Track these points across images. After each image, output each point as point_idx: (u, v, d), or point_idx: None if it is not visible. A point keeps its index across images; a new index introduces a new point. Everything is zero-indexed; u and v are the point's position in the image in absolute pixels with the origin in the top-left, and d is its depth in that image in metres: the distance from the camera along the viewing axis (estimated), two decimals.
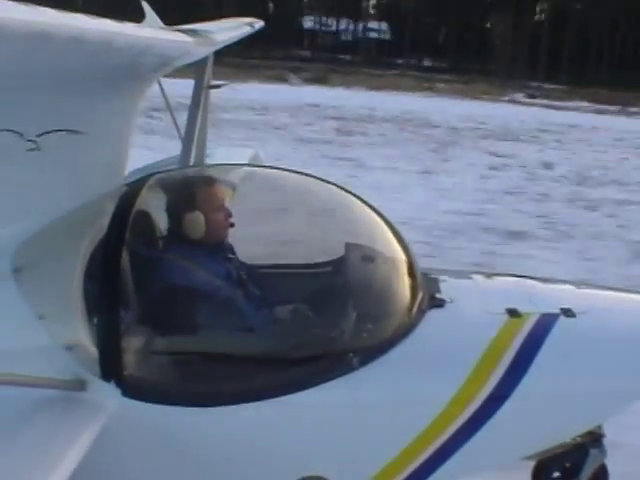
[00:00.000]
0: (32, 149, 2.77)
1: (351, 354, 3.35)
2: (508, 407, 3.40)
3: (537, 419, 3.48)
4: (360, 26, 73.76)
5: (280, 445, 3.37)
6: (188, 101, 5.28)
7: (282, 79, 39.22)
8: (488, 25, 70.36)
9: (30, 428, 2.96)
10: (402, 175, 15.86)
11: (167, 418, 3.27)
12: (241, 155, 6.73)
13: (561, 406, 3.49)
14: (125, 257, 3.33)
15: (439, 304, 3.60)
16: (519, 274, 4.18)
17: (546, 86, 44.87)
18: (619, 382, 3.57)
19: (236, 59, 36.47)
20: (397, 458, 3.40)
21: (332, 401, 3.34)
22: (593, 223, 12.68)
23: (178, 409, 3.27)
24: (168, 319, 3.45)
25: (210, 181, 3.85)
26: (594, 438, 3.81)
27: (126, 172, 3.59)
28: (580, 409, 3.55)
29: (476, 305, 3.65)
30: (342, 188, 4.00)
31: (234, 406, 3.29)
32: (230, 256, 3.85)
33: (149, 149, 8.38)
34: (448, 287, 3.75)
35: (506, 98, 37.02)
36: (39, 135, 2.77)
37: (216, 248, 3.77)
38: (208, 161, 5.64)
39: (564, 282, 4.48)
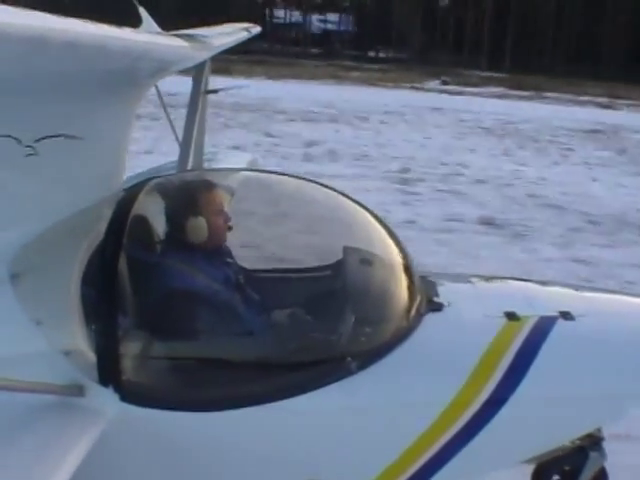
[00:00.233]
0: (30, 154, 2.77)
1: (349, 358, 3.34)
2: (507, 410, 3.39)
3: (536, 422, 3.47)
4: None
5: (279, 450, 3.37)
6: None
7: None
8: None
9: (28, 434, 2.95)
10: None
11: (165, 423, 3.26)
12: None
13: (560, 409, 3.48)
14: (123, 262, 3.32)
15: (437, 308, 3.60)
16: (518, 277, 4.19)
17: (467, 72, 44.68)
18: (618, 385, 3.56)
19: None
20: (396, 462, 3.39)
21: (330, 405, 3.34)
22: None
23: (176, 414, 3.27)
24: (166, 324, 3.45)
25: (210, 186, 3.84)
26: (594, 441, 3.80)
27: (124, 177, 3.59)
28: (579, 412, 3.54)
29: (474, 308, 3.64)
30: (340, 192, 4.00)
31: (233, 411, 3.28)
32: (229, 260, 3.85)
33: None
34: (446, 291, 3.75)
35: (414, 85, 36.97)
36: (37, 140, 2.76)
37: (215, 252, 3.76)
38: (206, 165, 5.65)
39: (563, 285, 4.48)
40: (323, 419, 3.36)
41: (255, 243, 4.22)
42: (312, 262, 4.19)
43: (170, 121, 5.34)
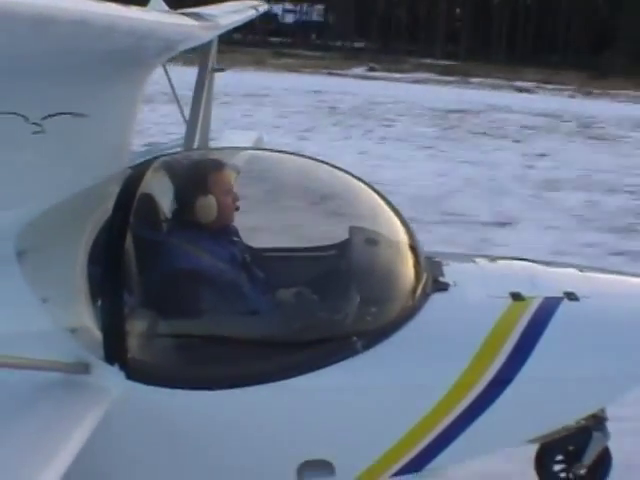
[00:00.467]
0: (37, 132, 2.76)
1: (355, 337, 3.35)
2: (511, 390, 3.40)
3: (540, 402, 3.48)
4: None
5: (283, 428, 3.38)
6: None
7: None
8: None
9: (34, 411, 2.97)
10: None
11: (171, 401, 3.28)
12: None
13: (564, 389, 3.49)
14: (129, 240, 3.32)
15: (443, 288, 3.60)
16: (523, 257, 4.18)
17: (413, 60, 43.59)
18: (622, 365, 3.57)
19: None
20: (401, 441, 3.40)
21: (336, 384, 3.35)
22: None
23: (182, 392, 3.28)
24: (172, 302, 3.45)
25: (218, 164, 3.84)
26: (597, 421, 3.82)
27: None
28: (583, 392, 3.55)
29: (479, 289, 3.65)
30: (346, 171, 4.00)
31: (238, 389, 3.30)
32: (235, 239, 3.85)
33: None
34: (451, 271, 3.75)
35: (334, 71, 35.85)
36: (43, 118, 2.76)
37: (222, 231, 3.77)
38: (211, 144, 5.64)
39: (567, 266, 4.47)
40: (329, 398, 3.37)
41: (261, 222, 4.22)
42: (318, 241, 4.19)
43: (177, 100, 5.34)
